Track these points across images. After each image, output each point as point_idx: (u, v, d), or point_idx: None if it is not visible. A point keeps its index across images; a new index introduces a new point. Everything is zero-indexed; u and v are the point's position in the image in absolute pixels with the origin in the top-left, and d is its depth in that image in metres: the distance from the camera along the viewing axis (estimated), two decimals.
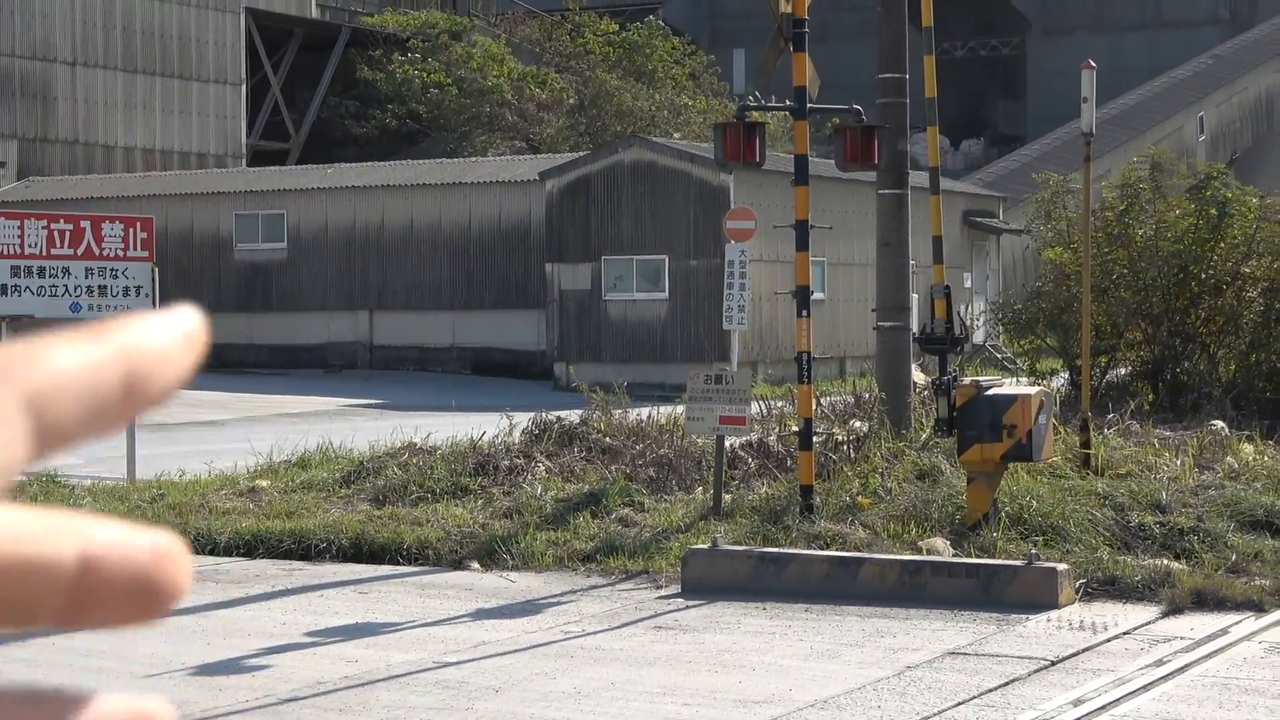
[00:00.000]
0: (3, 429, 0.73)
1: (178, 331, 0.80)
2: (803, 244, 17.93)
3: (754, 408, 19.98)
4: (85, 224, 22.76)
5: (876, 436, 19.62)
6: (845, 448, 19.62)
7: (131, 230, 22.88)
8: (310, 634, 13.94)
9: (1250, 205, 27.80)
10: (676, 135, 51.44)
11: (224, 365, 45.15)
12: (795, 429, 18.71)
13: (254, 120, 61.03)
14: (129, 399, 0.77)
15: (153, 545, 0.75)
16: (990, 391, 16.88)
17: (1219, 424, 22.02)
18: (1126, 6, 75.77)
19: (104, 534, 0.74)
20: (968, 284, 46.71)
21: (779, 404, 22.74)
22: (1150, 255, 27.22)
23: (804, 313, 17.86)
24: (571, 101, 57.70)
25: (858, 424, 20.43)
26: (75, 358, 0.76)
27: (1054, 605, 14.57)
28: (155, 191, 47.74)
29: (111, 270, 22.55)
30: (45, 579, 0.72)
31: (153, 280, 22.90)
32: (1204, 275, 27.14)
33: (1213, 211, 27.33)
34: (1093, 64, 20.31)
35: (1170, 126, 59.41)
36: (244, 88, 59.24)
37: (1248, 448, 20.37)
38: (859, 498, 17.54)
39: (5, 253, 22.01)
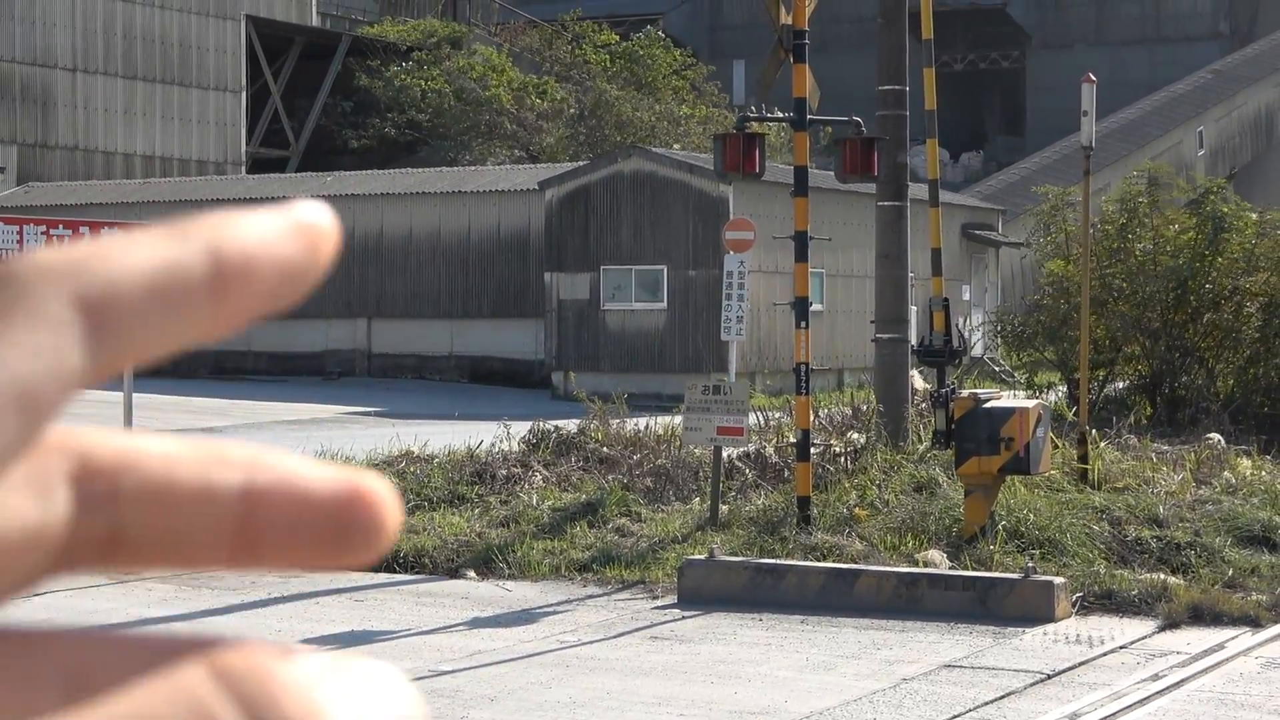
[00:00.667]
0: (49, 332, 0.64)
1: (290, 221, 0.68)
2: (802, 255, 17.94)
3: (751, 419, 19.98)
4: (84, 230, 22.75)
5: (874, 448, 19.62)
6: (843, 459, 19.62)
7: None
8: (306, 641, 13.88)
9: (1249, 220, 27.82)
10: (676, 146, 51.45)
11: (222, 372, 45.16)
12: (793, 440, 18.71)
13: (254, 128, 61.04)
14: (219, 299, 0.66)
15: (340, 486, 0.66)
16: (988, 404, 16.88)
17: (1216, 438, 22.02)
18: (1127, 20, 75.83)
19: (278, 467, 0.66)
20: (966, 296, 46.72)
21: (777, 415, 22.74)
22: (1149, 269, 27.23)
23: (802, 324, 17.87)
24: (571, 111, 57.72)
25: (855, 436, 20.43)
26: (147, 251, 0.66)
27: (1050, 619, 14.57)
28: (154, 198, 47.74)
29: None
30: (203, 509, 0.65)
31: None
32: (1203, 290, 27.15)
33: (1209, 227, 27.35)
34: (1093, 77, 20.32)
35: (1169, 141, 59.45)
36: (244, 95, 59.26)
37: (1245, 462, 20.36)
38: (856, 509, 17.54)
39: (4, 258, 22.00)
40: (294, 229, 0.67)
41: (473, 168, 50.61)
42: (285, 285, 0.67)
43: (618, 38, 60.63)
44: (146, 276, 0.65)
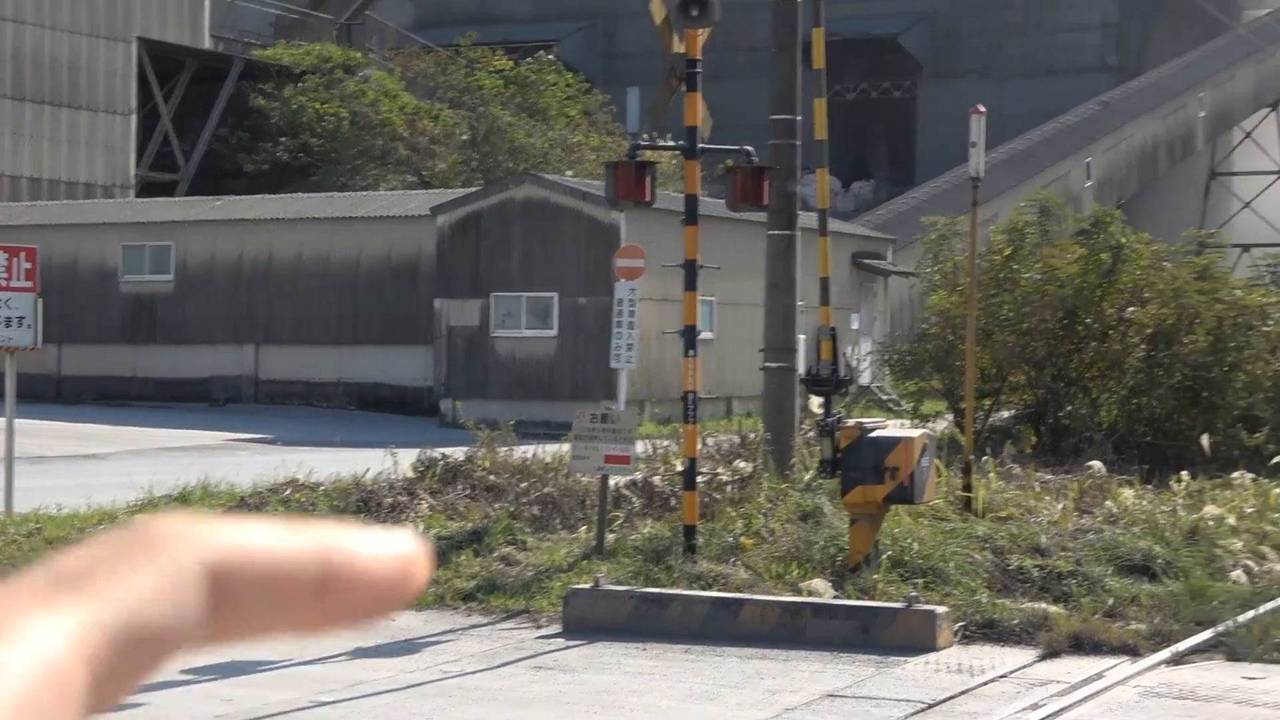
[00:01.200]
0: (178, 588, 0.71)
1: (393, 547, 0.75)
2: (691, 283, 17.97)
3: (639, 447, 19.97)
4: None
5: (760, 477, 19.66)
6: (729, 488, 19.63)
7: (15, 260, 22.58)
8: (184, 672, 13.76)
9: (1142, 252, 28.09)
10: (569, 173, 51.46)
11: (107, 398, 44.71)
12: (680, 469, 18.71)
13: (144, 151, 60.55)
14: (321, 603, 0.73)
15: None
16: (874, 434, 16.95)
17: (1099, 467, 22.20)
18: (1016, 52, 76.55)
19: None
20: (855, 325, 46.94)
21: (665, 443, 22.74)
22: (1036, 299, 27.45)
23: (691, 352, 17.88)
24: (464, 137, 57.64)
25: (742, 464, 20.45)
26: (271, 542, 0.73)
27: (933, 648, 14.63)
28: (41, 221, 47.25)
29: None
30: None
31: (36, 311, 22.61)
32: (1090, 320, 27.39)
33: (1106, 257, 27.59)
34: (982, 109, 20.47)
35: (1058, 171, 60.03)
36: (134, 118, 58.78)
37: (1127, 492, 20.55)
38: (742, 538, 17.55)
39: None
40: (395, 555, 0.75)
41: (364, 193, 50.43)
42: (378, 605, 0.75)
43: (512, 64, 60.62)
44: (267, 565, 0.73)
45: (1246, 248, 55.93)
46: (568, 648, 14.98)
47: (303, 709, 12.39)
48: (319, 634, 0.75)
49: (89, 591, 0.71)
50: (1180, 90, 67.82)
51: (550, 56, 63.59)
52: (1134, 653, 14.63)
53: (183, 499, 22.20)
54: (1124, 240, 27.94)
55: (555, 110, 59.35)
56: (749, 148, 18.95)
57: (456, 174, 55.94)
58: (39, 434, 32.13)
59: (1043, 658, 14.55)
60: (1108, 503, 19.80)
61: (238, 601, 0.72)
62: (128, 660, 0.70)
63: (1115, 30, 75.77)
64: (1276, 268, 31.52)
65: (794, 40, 22.69)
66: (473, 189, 45.31)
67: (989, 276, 27.49)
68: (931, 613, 14.88)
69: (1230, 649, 14.72)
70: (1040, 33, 76.37)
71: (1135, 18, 75.99)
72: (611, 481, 18.87)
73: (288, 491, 20.83)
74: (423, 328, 42.52)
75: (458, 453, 22.04)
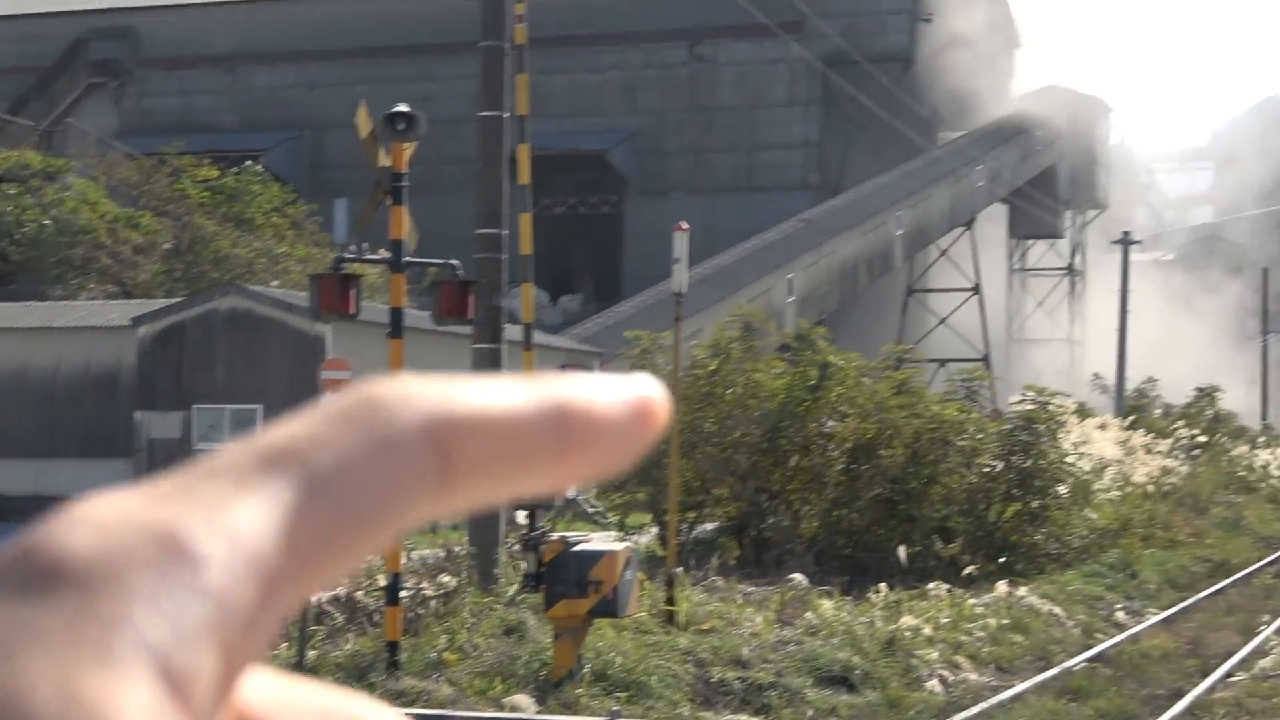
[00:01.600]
0: (402, 463, 0.67)
1: (630, 394, 0.71)
2: None
3: None
4: None
5: (465, 591, 19.57)
6: (434, 602, 19.50)
7: None
8: None
9: (848, 370, 28.64)
10: (275, 283, 51.01)
11: None
12: (383, 583, 18.55)
13: None
14: (559, 458, 0.69)
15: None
16: (578, 547, 16.99)
17: (800, 579, 22.51)
18: (721, 170, 77.94)
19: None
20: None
21: (368, 557, 22.54)
22: (740, 414, 27.83)
23: None
24: (168, 246, 56.85)
25: (447, 578, 20.34)
26: (504, 399, 0.69)
27: None
28: None
29: None
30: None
31: None
32: (793, 434, 27.82)
33: (813, 373, 28.08)
34: (685, 225, 20.78)
35: (761, 287, 61.03)
36: None
37: (827, 603, 20.85)
38: (445, 654, 17.44)
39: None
40: (633, 402, 0.71)
41: (64, 303, 49.37)
42: (617, 455, 0.71)
43: (218, 173, 60.04)
44: (500, 425, 0.69)
45: (943, 363, 57.39)
46: None
47: None
48: (555, 486, 0.71)
49: (301, 466, 0.67)
50: (879, 209, 69.54)
51: (257, 166, 63.13)
52: None
53: None
54: (832, 358, 28.49)
55: (261, 220, 58.87)
56: (454, 261, 19.00)
57: (159, 284, 55.09)
58: None
59: None
60: (808, 614, 20.07)
61: (468, 465, 0.68)
62: (346, 538, 0.66)
63: (816, 150, 77.59)
64: (970, 383, 32.41)
65: (500, 156, 22.83)
66: (176, 299, 44.64)
67: (694, 391, 27.80)
68: None
69: None
70: (745, 151, 77.92)
71: (836, 138, 77.89)
72: (313, 596, 18.62)
73: None
74: (122, 440, 41.65)
75: None
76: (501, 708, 15.90)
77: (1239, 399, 70.19)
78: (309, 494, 0.66)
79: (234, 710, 0.69)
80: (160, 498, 0.65)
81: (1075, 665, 20.30)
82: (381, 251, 22.13)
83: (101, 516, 0.64)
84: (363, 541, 0.67)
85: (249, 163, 63.04)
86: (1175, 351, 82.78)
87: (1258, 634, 23.82)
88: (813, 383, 28.00)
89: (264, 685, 0.71)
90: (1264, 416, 76.58)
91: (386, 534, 0.68)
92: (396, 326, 18.23)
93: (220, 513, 0.65)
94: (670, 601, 19.68)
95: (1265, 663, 20.81)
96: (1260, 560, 35.75)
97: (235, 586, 0.63)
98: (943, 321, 75.98)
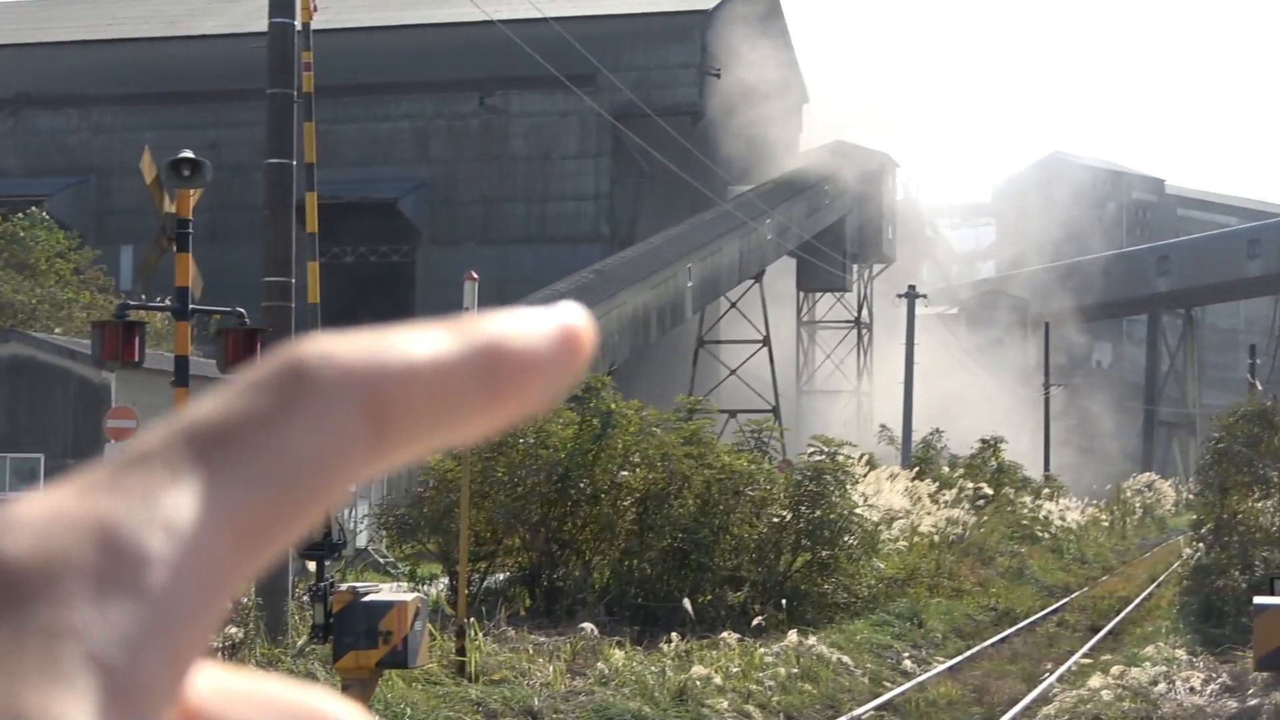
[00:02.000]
0: (334, 432, 0.64)
1: (555, 324, 0.69)
2: None
3: None
4: None
5: (252, 643, 19.27)
6: (218, 654, 19.18)
7: None
8: None
9: (632, 418, 28.71)
10: (58, 330, 50.07)
11: None
12: None
13: None
14: (492, 400, 0.67)
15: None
16: (367, 598, 16.80)
17: (591, 629, 22.48)
18: (514, 221, 78.00)
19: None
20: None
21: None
22: (531, 463, 27.77)
23: None
24: None
25: (233, 629, 20.03)
26: (431, 348, 0.67)
27: None
28: None
29: None
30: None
31: None
32: (583, 484, 27.82)
33: (597, 422, 28.11)
34: (475, 275, 20.74)
35: None
36: None
37: (618, 653, 20.84)
38: None
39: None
40: (557, 333, 0.71)
41: None
42: (548, 388, 0.70)
43: (1, 218, 58.90)
44: (429, 376, 0.68)
45: (733, 414, 57.77)
46: None
47: None
48: (490, 429, 0.68)
49: (232, 447, 0.63)
50: (670, 260, 69.96)
51: (41, 212, 62.02)
52: None
53: None
54: (614, 406, 28.56)
55: (44, 266, 57.81)
56: (241, 309, 18.78)
57: None
58: None
59: None
60: (600, 664, 20.04)
61: (401, 422, 0.66)
62: (285, 515, 0.64)
63: (608, 201, 77.95)
64: (760, 434, 32.64)
65: (288, 203, 22.61)
66: None
67: (485, 440, 27.69)
68: None
69: None
70: (538, 202, 78.06)
71: (627, 190, 78.31)
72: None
73: None
74: None
75: None
76: None
77: (1023, 450, 71.47)
78: (243, 476, 0.65)
79: (183, 707, 0.66)
80: (93, 491, 0.64)
81: (863, 714, 20.46)
82: (167, 299, 21.87)
83: (36, 518, 0.62)
84: (302, 516, 0.66)
85: (33, 208, 61.91)
86: (966, 404, 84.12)
87: (1041, 681, 24.19)
88: (596, 432, 28.05)
89: (210, 679, 0.68)
90: (1046, 467, 78.02)
91: (325, 503, 0.67)
92: (182, 375, 17.97)
93: (156, 505, 0.63)
94: (461, 652, 19.54)
95: (1048, 710, 21.13)
96: (1043, 609, 36.36)
97: (178, 583, 0.62)
98: (733, 373, 76.53)
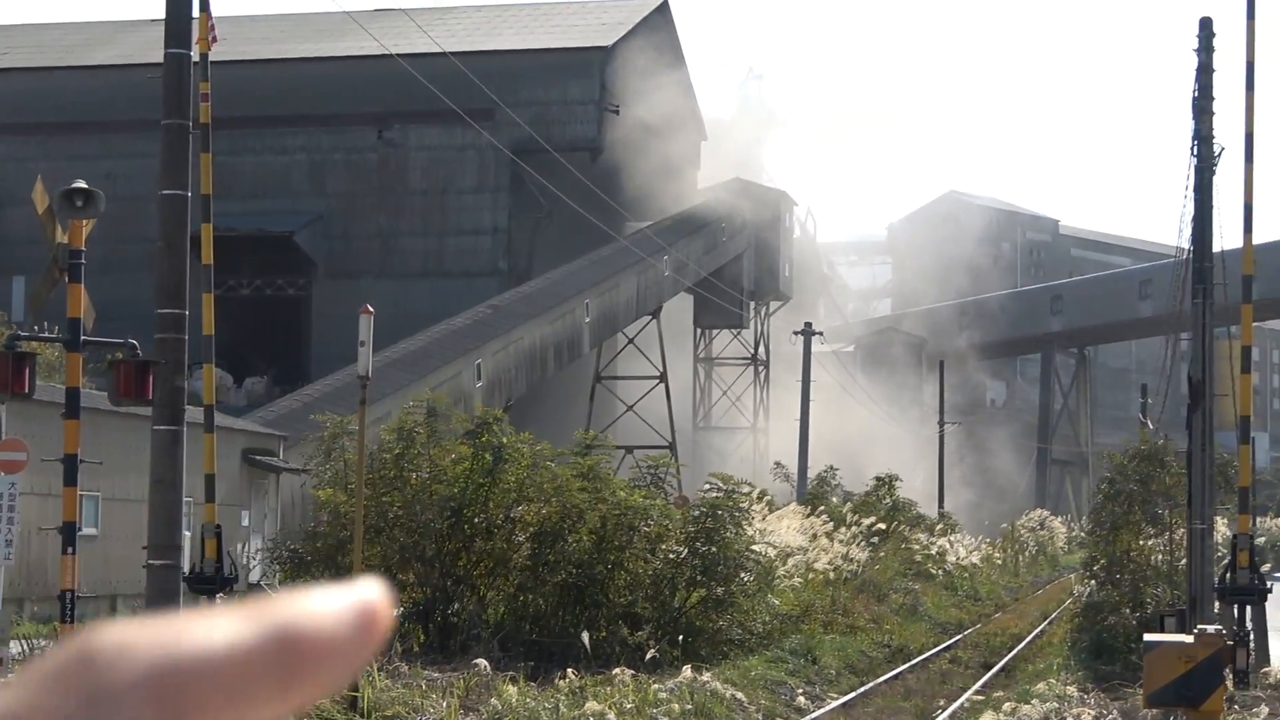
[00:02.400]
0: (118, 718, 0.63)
1: (350, 605, 0.69)
2: (71, 479, 17.47)
3: (14, 648, 19.15)
4: None
5: None
6: None
7: None
8: None
9: (524, 452, 28.68)
10: None
11: None
12: None
13: None
14: (286, 688, 0.67)
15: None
16: None
17: (485, 665, 22.40)
18: (411, 254, 77.77)
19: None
20: (245, 522, 46.34)
21: (45, 644, 21.88)
22: (425, 498, 27.67)
23: (69, 549, 17.33)
24: None
25: None
26: (224, 637, 0.66)
27: None
28: None
29: None
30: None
31: None
32: (477, 519, 27.76)
33: (488, 457, 28.06)
34: (370, 309, 20.68)
35: (450, 371, 60.95)
36: None
37: (512, 689, 20.77)
38: None
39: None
40: (354, 614, 0.72)
41: None
42: (344, 670, 0.71)
43: None
44: (223, 668, 0.67)
45: (630, 449, 57.76)
46: None
47: None
48: (286, 713, 0.67)
49: None
50: (568, 295, 70.00)
51: None
52: None
53: None
54: (505, 441, 28.52)
55: None
56: (133, 341, 18.65)
57: None
58: None
59: None
60: (493, 700, 19.98)
61: (193, 713, 0.65)
62: None
63: (506, 236, 77.89)
64: (656, 469, 32.68)
65: (183, 235, 22.46)
66: None
67: (380, 475, 27.60)
68: None
69: None
70: (435, 236, 77.90)
71: (525, 225, 78.32)
72: None
73: None
74: None
75: None
76: None
77: (919, 488, 71.75)
78: None
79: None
80: None
81: None
82: (59, 330, 21.74)
83: None
84: None
85: None
86: (865, 442, 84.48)
87: (934, 718, 24.31)
88: (489, 467, 28.00)
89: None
90: (941, 504, 78.49)
91: None
92: (73, 407, 17.79)
93: None
94: (353, 688, 19.42)
95: None
96: (936, 645, 36.55)
97: None
98: (630, 409, 76.58)
